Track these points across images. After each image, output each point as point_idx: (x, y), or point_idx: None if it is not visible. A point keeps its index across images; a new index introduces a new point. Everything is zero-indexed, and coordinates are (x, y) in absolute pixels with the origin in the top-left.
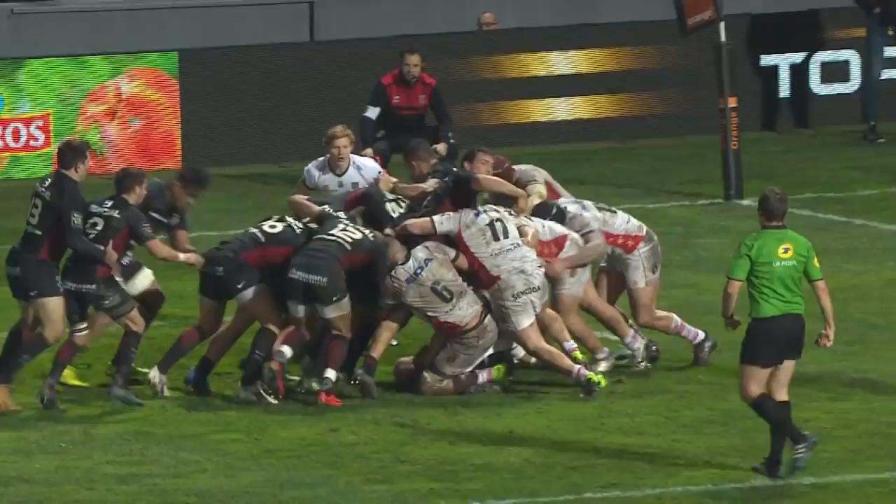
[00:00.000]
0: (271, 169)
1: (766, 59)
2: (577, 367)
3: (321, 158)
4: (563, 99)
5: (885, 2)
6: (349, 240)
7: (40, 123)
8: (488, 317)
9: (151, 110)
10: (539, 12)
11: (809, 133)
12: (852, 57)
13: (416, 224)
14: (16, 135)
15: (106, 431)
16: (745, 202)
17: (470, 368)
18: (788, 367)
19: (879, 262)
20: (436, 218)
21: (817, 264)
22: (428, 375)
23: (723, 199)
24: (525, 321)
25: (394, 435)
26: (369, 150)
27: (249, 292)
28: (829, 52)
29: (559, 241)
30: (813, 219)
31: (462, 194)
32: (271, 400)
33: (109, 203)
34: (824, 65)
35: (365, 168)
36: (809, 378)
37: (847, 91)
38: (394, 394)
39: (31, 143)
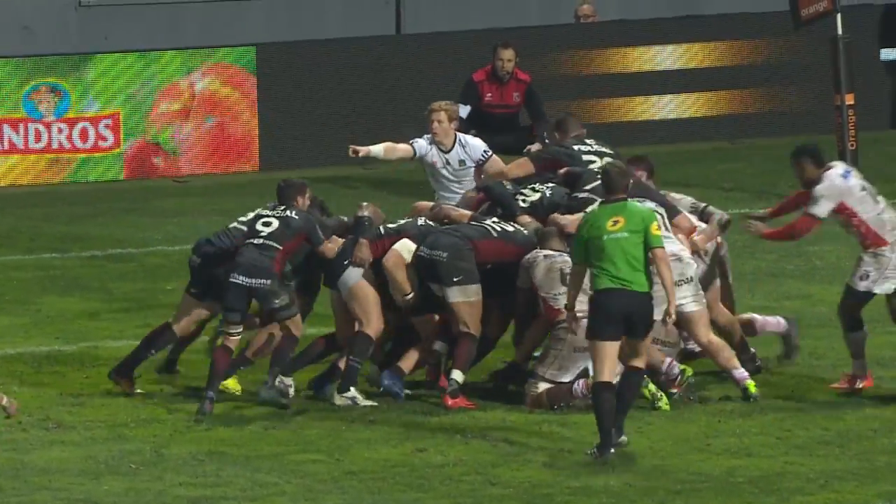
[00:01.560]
0: (356, 171)
1: (888, 53)
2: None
3: (430, 135)
4: (666, 96)
5: None
6: (498, 229)
7: (109, 122)
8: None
9: (227, 109)
10: (641, 4)
11: None
12: None
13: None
14: (83, 135)
15: (178, 451)
16: None
17: (567, 378)
18: (634, 345)
19: None
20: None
21: (656, 231)
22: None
23: None
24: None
25: (485, 456)
26: None
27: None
28: None
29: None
30: None
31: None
32: (366, 402)
33: (282, 207)
34: None
35: (470, 146)
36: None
37: None
38: (485, 411)
39: (100, 143)
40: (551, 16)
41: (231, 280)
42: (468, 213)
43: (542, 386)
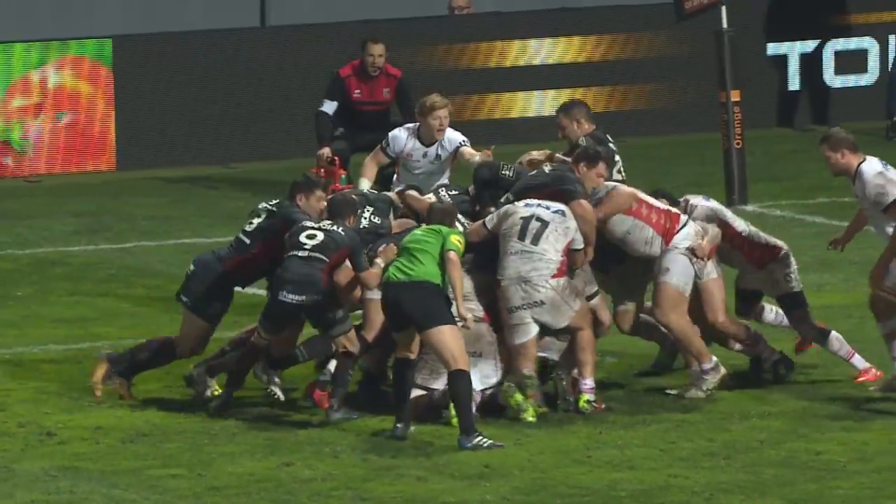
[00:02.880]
0: (217, 171)
1: (774, 48)
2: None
3: (411, 125)
4: (543, 92)
5: None
6: None
7: None
8: (477, 325)
9: (82, 104)
10: None
11: (823, 130)
12: (870, 45)
13: (472, 232)
14: None
15: (30, 467)
16: (750, 207)
17: (440, 384)
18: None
19: None
20: (487, 218)
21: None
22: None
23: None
24: (517, 339)
25: (355, 469)
26: (326, 150)
27: None
28: (844, 39)
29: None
30: (826, 227)
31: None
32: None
33: (329, 222)
34: (839, 54)
35: (448, 140)
36: (821, 405)
37: (865, 83)
38: (354, 422)
39: None
40: (423, 7)
41: (280, 298)
42: (429, 201)
43: (415, 393)
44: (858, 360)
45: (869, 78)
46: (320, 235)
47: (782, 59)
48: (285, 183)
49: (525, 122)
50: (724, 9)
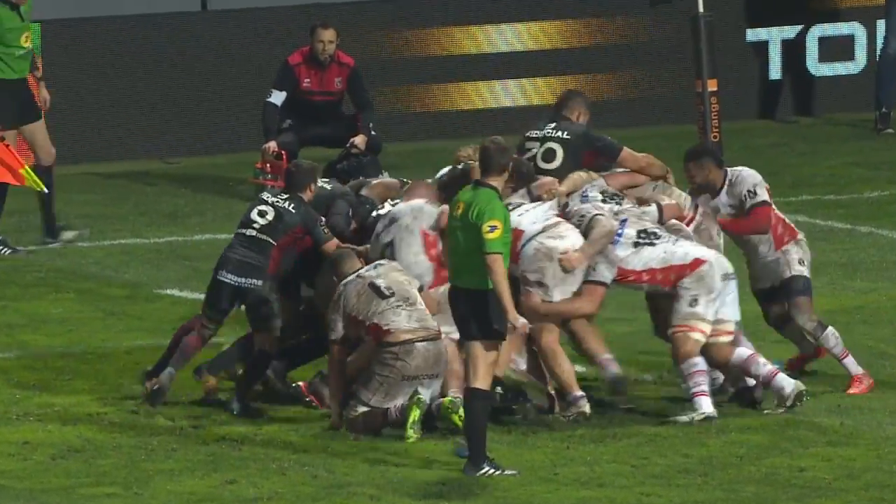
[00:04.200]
0: (155, 166)
1: (754, 34)
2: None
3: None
4: (509, 81)
5: None
6: None
7: None
8: (424, 345)
9: None
10: None
11: (807, 122)
12: (857, 31)
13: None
14: None
15: None
16: None
17: (393, 404)
18: (471, 347)
19: (890, 277)
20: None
21: (489, 234)
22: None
23: None
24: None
25: (304, 488)
26: (272, 144)
27: None
28: (829, 24)
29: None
30: (810, 226)
31: None
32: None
33: (285, 196)
34: (823, 40)
35: None
36: (804, 418)
37: (851, 72)
38: (303, 437)
39: None
40: None
41: (219, 278)
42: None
43: (361, 409)
44: (851, 363)
45: (856, 66)
46: (271, 214)
47: (763, 46)
48: (229, 179)
49: (490, 114)
50: None
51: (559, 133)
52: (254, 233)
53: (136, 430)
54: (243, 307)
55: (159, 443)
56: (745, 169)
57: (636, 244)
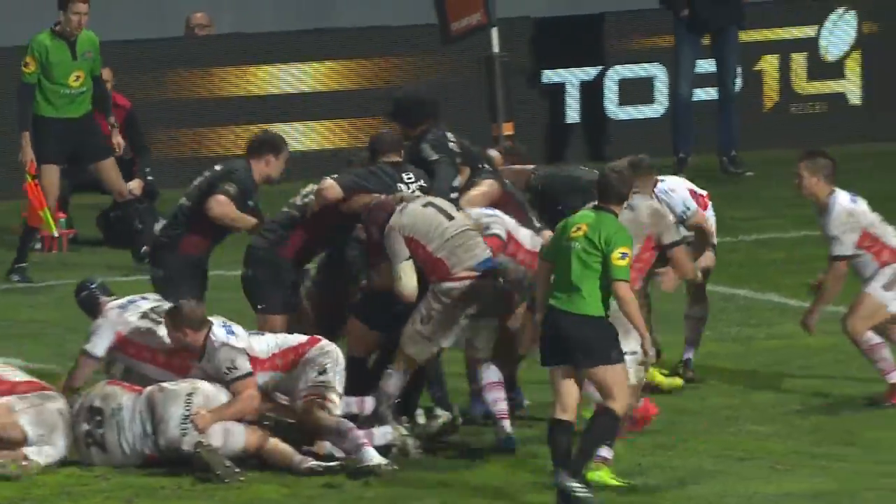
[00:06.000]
0: None
1: (551, 75)
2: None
3: None
4: (294, 124)
5: (695, 3)
6: None
7: None
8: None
9: None
10: (263, 14)
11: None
12: (658, 73)
13: None
14: None
15: None
16: None
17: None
18: (594, 374)
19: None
20: None
21: (620, 262)
22: None
23: None
24: None
25: None
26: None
27: None
28: (628, 66)
29: None
30: None
31: None
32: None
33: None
34: (623, 82)
35: None
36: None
37: (652, 115)
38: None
39: None
40: (155, 27)
41: None
42: None
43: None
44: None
45: (656, 109)
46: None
47: (559, 88)
48: None
49: None
50: (494, 31)
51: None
52: None
53: None
54: None
55: None
56: None
57: None
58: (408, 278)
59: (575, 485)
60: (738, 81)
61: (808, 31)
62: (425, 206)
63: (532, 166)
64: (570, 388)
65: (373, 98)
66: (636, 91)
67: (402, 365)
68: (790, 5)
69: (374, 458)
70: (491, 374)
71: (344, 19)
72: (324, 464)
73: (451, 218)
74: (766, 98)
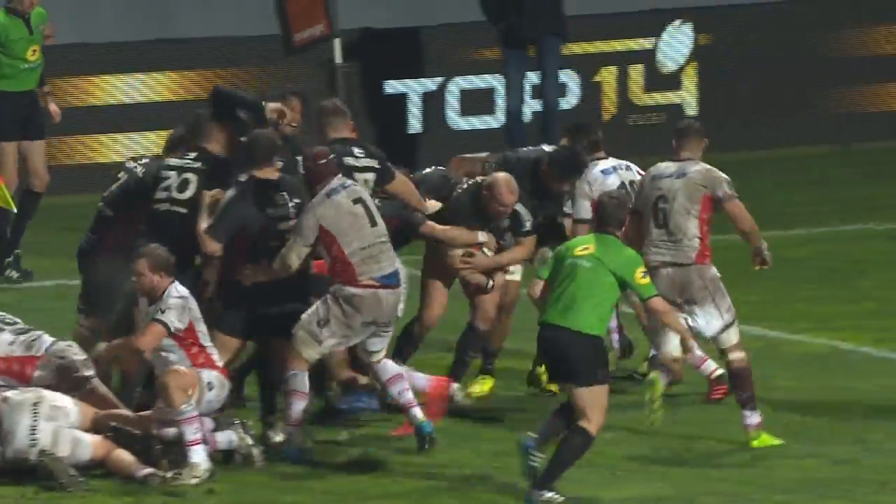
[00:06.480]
0: None
1: (393, 86)
2: None
3: None
4: (133, 134)
5: (515, 13)
6: None
7: None
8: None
9: None
10: (102, 24)
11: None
12: (498, 84)
13: None
14: None
15: None
16: None
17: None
18: (575, 393)
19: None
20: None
21: (643, 280)
22: None
23: None
24: None
25: None
26: None
27: None
28: (470, 77)
29: None
30: None
31: None
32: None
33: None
34: (465, 93)
35: None
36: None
37: (495, 125)
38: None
39: None
40: None
41: None
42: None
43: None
44: None
45: (499, 118)
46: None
47: (402, 98)
48: None
49: (115, 168)
50: (337, 42)
51: (198, 164)
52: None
53: None
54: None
55: None
56: None
57: None
58: (294, 261)
59: (547, 495)
60: (577, 92)
61: (645, 44)
62: (356, 202)
63: (484, 154)
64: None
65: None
66: (477, 101)
67: (300, 364)
68: (627, 17)
69: (199, 461)
70: (390, 368)
71: (186, 29)
72: (162, 473)
73: (374, 224)
74: (604, 109)
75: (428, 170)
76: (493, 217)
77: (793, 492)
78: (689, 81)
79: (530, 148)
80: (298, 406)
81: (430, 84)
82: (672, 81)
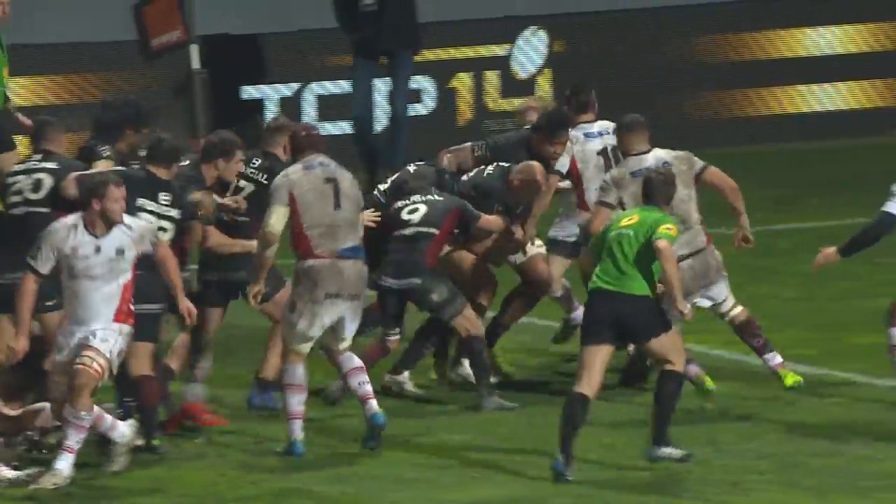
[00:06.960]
0: None
1: (249, 92)
2: None
3: None
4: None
5: (370, 27)
6: None
7: None
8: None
9: None
10: None
11: None
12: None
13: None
14: None
15: None
16: None
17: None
18: (650, 347)
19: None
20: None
21: (665, 230)
22: None
23: None
24: None
25: None
26: None
27: None
28: (326, 83)
29: None
30: None
31: None
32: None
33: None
34: (321, 98)
35: None
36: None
37: (349, 131)
38: None
39: None
40: None
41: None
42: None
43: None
44: None
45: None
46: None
47: (258, 104)
48: None
49: None
50: (194, 48)
51: (48, 164)
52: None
53: None
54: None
55: None
56: None
57: None
58: (276, 225)
59: (667, 451)
60: (433, 97)
61: (499, 50)
62: (327, 181)
63: (470, 143)
64: (600, 367)
65: (84, 112)
66: (333, 107)
67: (292, 357)
68: (482, 24)
69: (62, 469)
70: (351, 361)
71: (43, 35)
72: (21, 473)
73: (338, 207)
74: (459, 115)
75: (413, 166)
76: (520, 200)
77: (645, 492)
78: (544, 88)
79: (511, 132)
80: (294, 399)
81: (286, 90)
82: (527, 87)
